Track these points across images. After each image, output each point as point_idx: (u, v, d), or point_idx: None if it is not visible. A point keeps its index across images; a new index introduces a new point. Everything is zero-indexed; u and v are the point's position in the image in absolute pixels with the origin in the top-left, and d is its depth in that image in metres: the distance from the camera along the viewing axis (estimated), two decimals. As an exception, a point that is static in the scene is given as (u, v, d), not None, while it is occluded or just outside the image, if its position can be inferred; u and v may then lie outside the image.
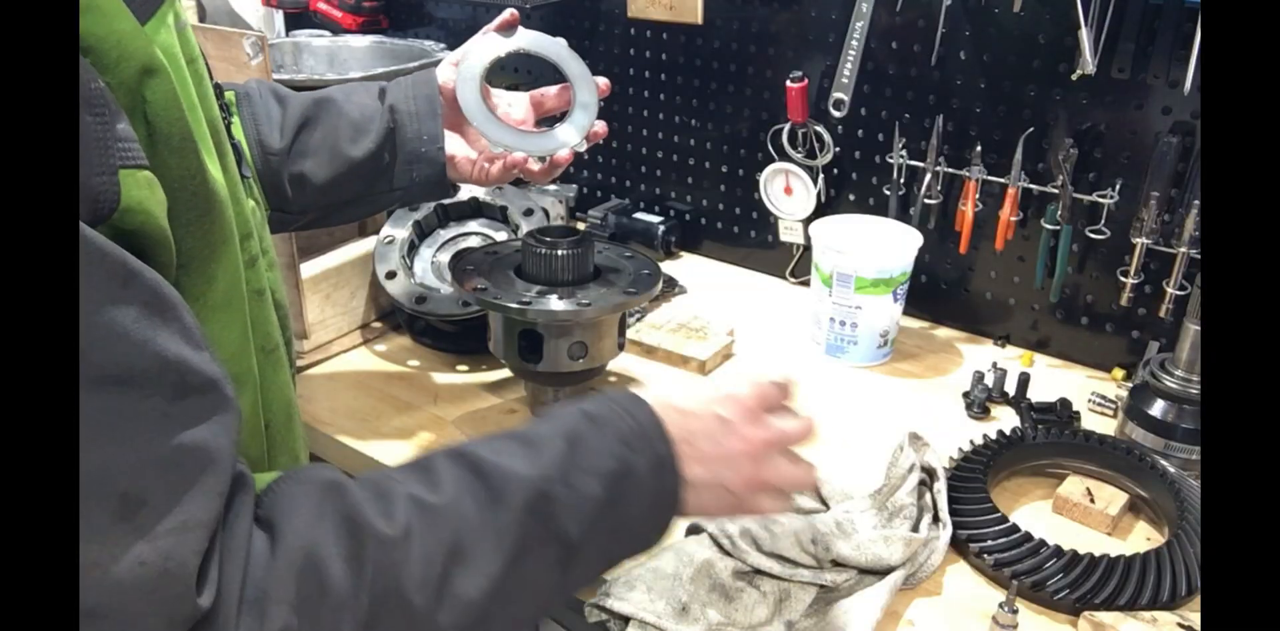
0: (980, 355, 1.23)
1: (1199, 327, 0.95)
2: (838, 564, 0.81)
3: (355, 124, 0.89)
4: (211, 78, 0.63)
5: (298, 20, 1.77)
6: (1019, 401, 1.10)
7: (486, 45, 0.90)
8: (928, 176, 1.21)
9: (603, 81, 0.92)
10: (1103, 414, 1.09)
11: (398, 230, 1.23)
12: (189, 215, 0.51)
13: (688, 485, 0.62)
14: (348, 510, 0.50)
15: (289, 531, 0.48)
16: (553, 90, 0.95)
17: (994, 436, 0.99)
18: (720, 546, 0.81)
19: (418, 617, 0.51)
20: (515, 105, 0.96)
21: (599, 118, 0.91)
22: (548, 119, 0.96)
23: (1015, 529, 0.85)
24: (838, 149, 1.31)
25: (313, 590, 0.47)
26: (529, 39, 0.92)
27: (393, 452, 1.02)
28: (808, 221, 1.33)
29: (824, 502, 0.89)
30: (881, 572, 0.81)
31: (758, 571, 0.80)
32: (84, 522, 0.40)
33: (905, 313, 1.23)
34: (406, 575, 0.50)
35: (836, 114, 1.20)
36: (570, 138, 0.90)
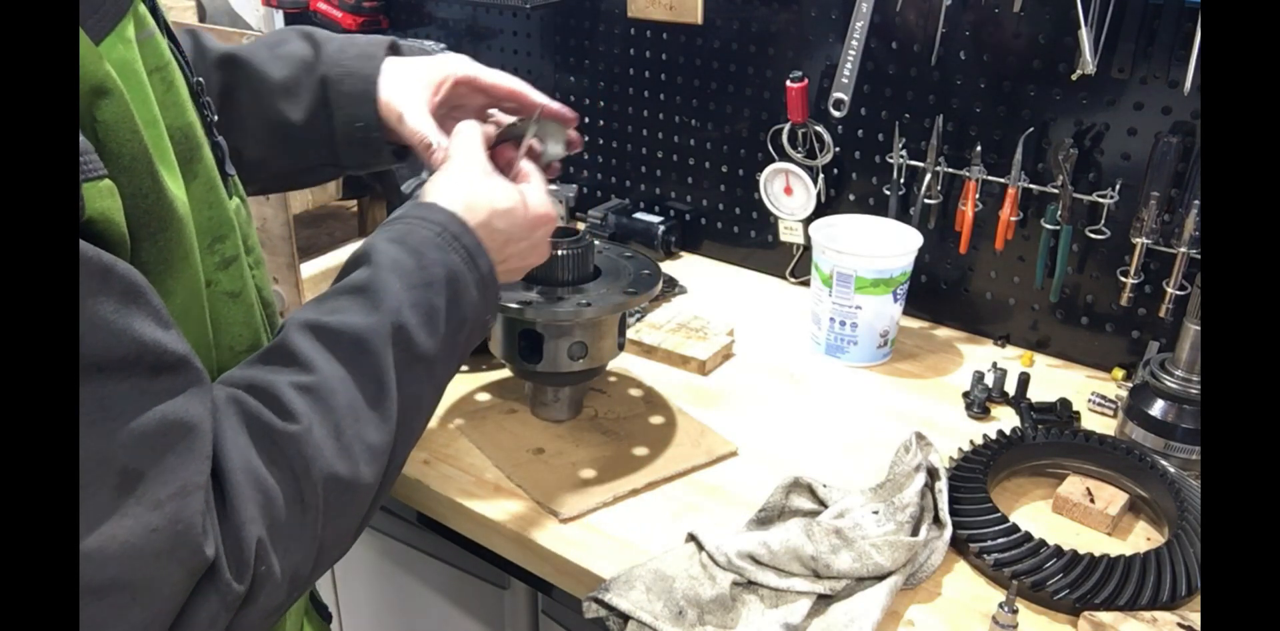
0: (980, 355, 1.23)
1: (1199, 327, 0.95)
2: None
3: (282, 86, 0.83)
4: (193, 74, 0.61)
5: (298, 20, 1.77)
6: (1019, 401, 1.10)
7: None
8: (928, 176, 1.21)
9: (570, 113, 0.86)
10: (1103, 414, 1.09)
11: (398, 230, 1.23)
12: (140, 232, 0.51)
13: (498, 261, 0.70)
14: (252, 421, 0.54)
15: (222, 458, 0.52)
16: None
17: (994, 436, 0.99)
18: (717, 562, 0.81)
19: (349, 483, 0.56)
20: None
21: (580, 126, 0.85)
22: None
23: (1015, 529, 0.85)
24: (838, 149, 1.31)
25: (263, 500, 0.52)
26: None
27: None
28: (808, 221, 1.33)
29: (822, 503, 0.89)
30: (881, 576, 0.81)
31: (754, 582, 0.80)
32: (94, 502, 0.43)
33: (905, 312, 1.23)
34: (326, 455, 0.55)
35: (836, 114, 1.20)
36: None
